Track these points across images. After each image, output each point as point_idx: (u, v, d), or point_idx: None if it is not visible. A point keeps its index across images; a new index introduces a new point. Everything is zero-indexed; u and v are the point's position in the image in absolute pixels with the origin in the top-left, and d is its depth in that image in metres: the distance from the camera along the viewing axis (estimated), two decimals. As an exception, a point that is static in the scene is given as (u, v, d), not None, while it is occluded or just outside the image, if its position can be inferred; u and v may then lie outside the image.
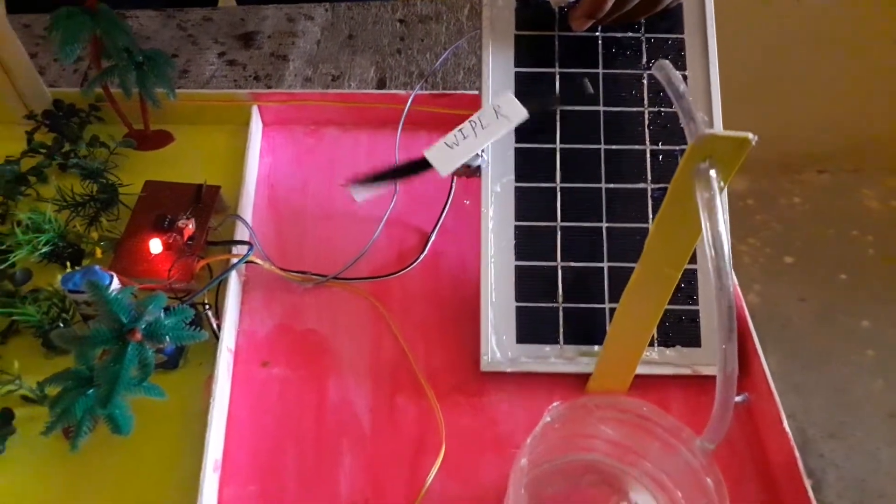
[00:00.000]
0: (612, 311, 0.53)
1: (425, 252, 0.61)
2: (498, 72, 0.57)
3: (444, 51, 0.79)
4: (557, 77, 0.57)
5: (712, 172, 0.35)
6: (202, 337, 0.45)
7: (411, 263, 0.60)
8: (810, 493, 0.47)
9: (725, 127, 0.46)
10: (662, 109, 0.57)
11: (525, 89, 0.57)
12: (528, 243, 0.56)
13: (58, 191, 0.60)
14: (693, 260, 0.55)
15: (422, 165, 0.52)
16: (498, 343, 0.54)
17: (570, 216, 0.56)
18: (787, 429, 0.49)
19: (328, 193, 0.65)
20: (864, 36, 1.55)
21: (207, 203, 0.59)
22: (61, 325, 0.53)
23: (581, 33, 0.57)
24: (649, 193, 0.56)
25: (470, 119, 0.52)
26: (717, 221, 0.35)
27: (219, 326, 0.54)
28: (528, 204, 0.56)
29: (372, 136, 0.69)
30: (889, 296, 1.60)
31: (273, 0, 0.85)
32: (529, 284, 0.55)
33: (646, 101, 0.58)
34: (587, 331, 0.55)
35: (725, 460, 0.51)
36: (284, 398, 0.53)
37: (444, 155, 0.51)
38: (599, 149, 0.57)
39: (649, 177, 0.56)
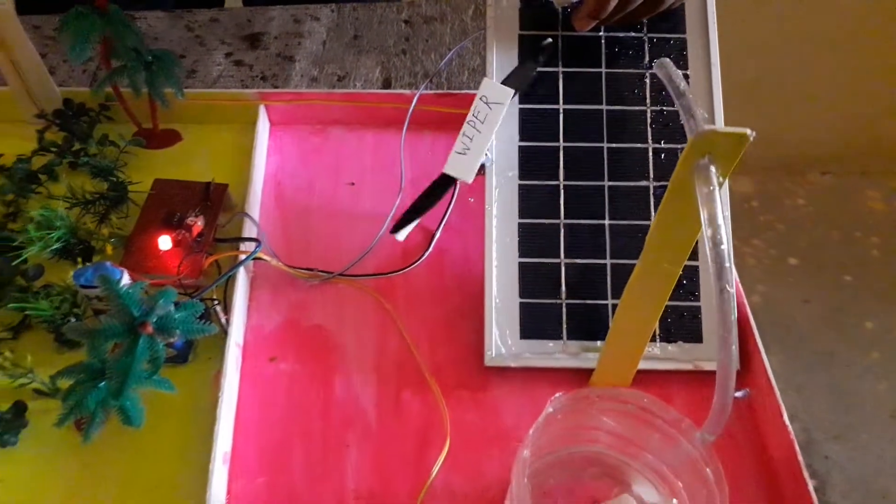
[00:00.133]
0: (615, 307, 0.53)
1: (430, 249, 0.62)
2: (502, 70, 0.58)
3: (449, 51, 0.80)
4: (561, 76, 0.58)
5: (712, 168, 0.36)
6: (212, 330, 0.46)
7: (416, 261, 0.61)
8: (810, 487, 0.48)
9: (728, 127, 0.47)
10: (664, 108, 0.58)
11: (529, 89, 0.58)
12: (531, 240, 0.56)
13: (68, 189, 0.61)
14: (695, 257, 0.56)
15: (445, 182, 0.54)
16: (502, 338, 0.55)
17: (574, 213, 0.57)
18: (788, 423, 0.50)
19: (334, 191, 0.66)
20: (870, 37, 1.55)
21: (215, 201, 0.60)
22: (73, 319, 0.54)
23: (584, 33, 0.58)
24: (651, 191, 0.57)
25: (467, 120, 0.53)
26: (716, 215, 0.35)
27: (227, 321, 0.54)
28: (532, 201, 0.57)
29: (377, 136, 0.70)
30: (894, 297, 1.60)
31: (279, 1, 0.86)
32: (533, 281, 0.56)
33: (648, 100, 0.58)
34: (590, 326, 0.55)
35: (727, 454, 0.52)
36: (292, 393, 0.54)
37: (461, 163, 0.53)
38: (602, 147, 0.58)
39: (651, 175, 0.57)
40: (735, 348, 0.55)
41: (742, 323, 0.56)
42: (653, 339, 0.55)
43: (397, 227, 0.56)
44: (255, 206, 0.62)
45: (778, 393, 0.52)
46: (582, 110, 0.58)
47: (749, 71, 1.54)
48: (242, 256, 0.56)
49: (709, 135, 0.36)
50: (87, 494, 0.49)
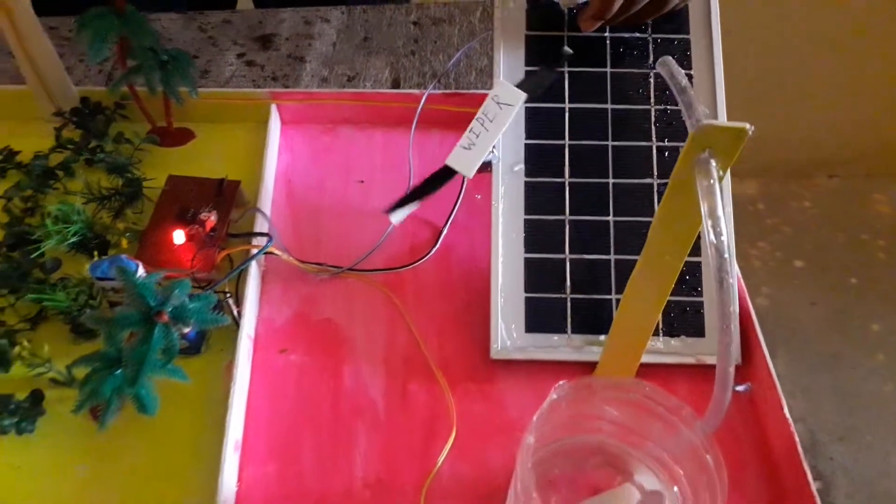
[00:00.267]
0: (619, 302, 0.54)
1: (437, 245, 0.63)
2: (509, 70, 0.59)
3: (457, 52, 0.81)
4: (567, 75, 0.59)
5: (712, 162, 0.37)
6: (225, 320, 0.47)
7: (424, 256, 0.62)
8: (810, 478, 0.49)
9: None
10: (668, 107, 0.59)
11: (541, 95, 0.59)
12: (537, 236, 0.57)
13: (85, 184, 0.63)
14: (697, 253, 0.57)
15: (445, 174, 0.55)
16: (507, 332, 0.56)
17: (579, 210, 0.58)
18: (788, 416, 0.51)
19: (344, 189, 0.67)
20: (877, 39, 1.55)
21: (228, 197, 0.61)
22: (88, 311, 0.55)
23: (590, 34, 0.59)
24: (655, 188, 0.58)
25: (476, 117, 0.54)
26: (716, 207, 0.36)
27: (239, 314, 0.56)
28: (538, 198, 0.58)
29: (386, 134, 0.71)
30: (899, 299, 1.60)
31: (290, 3, 0.87)
32: (538, 276, 0.57)
33: (652, 100, 0.59)
34: (594, 321, 0.56)
35: (728, 448, 0.52)
36: (302, 383, 0.56)
37: (464, 158, 0.54)
38: (607, 145, 0.59)
39: (655, 172, 0.58)
40: (736, 338, 0.56)
41: (744, 318, 0.57)
42: (656, 334, 0.56)
43: (392, 209, 0.57)
44: (266, 202, 0.64)
45: (779, 386, 0.53)
46: (587, 109, 0.59)
47: (754, 73, 1.55)
48: (254, 251, 0.57)
49: (708, 129, 0.37)
50: (101, 480, 0.51)
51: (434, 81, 0.78)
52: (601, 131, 0.59)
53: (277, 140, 0.70)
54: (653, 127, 0.59)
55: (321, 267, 0.61)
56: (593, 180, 0.58)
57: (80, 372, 0.48)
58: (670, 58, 0.43)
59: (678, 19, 0.60)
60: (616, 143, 0.59)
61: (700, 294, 0.57)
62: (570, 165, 0.58)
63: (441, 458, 0.52)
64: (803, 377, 1.49)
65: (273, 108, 0.69)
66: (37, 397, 0.53)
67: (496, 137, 0.54)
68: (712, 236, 0.36)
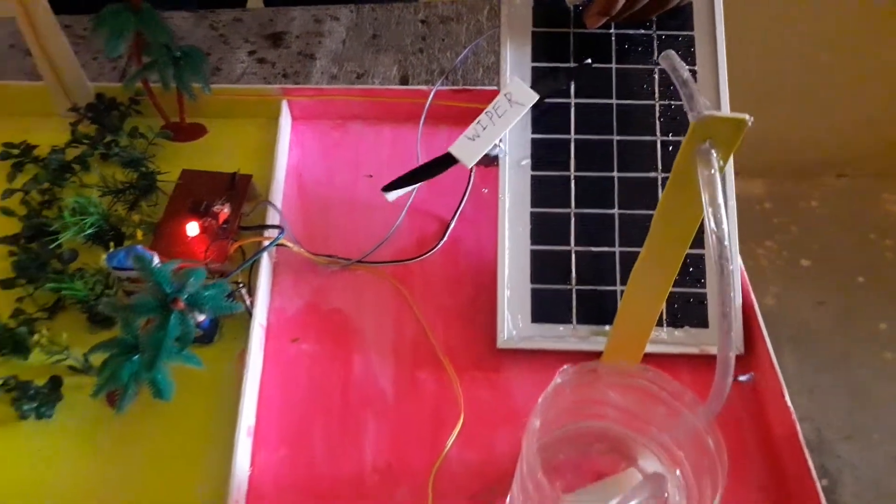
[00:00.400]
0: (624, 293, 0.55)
1: (445, 238, 0.64)
2: (516, 66, 0.60)
3: (464, 49, 0.82)
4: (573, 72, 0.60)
5: (712, 152, 0.38)
6: (238, 308, 0.49)
7: (432, 249, 0.63)
8: (811, 466, 0.49)
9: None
10: (672, 102, 0.60)
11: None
12: (543, 229, 0.59)
13: (100, 178, 0.64)
14: (700, 245, 0.58)
15: (446, 160, 0.56)
16: (514, 322, 0.57)
17: (584, 203, 0.59)
18: (789, 403, 0.52)
19: (353, 183, 0.68)
20: (884, 39, 1.55)
21: (240, 190, 0.62)
22: (105, 299, 0.57)
23: (595, 30, 0.60)
24: (659, 182, 0.59)
25: (486, 111, 0.56)
26: (716, 196, 0.37)
27: (251, 304, 0.57)
28: (544, 191, 0.59)
29: (395, 130, 0.72)
30: (907, 299, 1.60)
31: (300, 2, 0.89)
32: (544, 267, 0.58)
33: (657, 95, 0.60)
34: (599, 311, 0.57)
35: (732, 435, 0.54)
36: (313, 371, 0.57)
37: (467, 148, 0.55)
38: (612, 139, 0.60)
39: (659, 166, 0.59)
40: (738, 325, 0.57)
41: (747, 311, 0.58)
42: (660, 324, 0.57)
43: (389, 188, 0.58)
44: (277, 196, 0.65)
45: (780, 375, 0.53)
46: (593, 104, 0.60)
47: (759, 72, 1.55)
48: (266, 242, 0.59)
49: (709, 120, 0.38)
50: (118, 464, 0.52)
51: (442, 78, 0.79)
52: (607, 126, 0.60)
53: (288, 135, 0.71)
54: (657, 122, 0.60)
55: (331, 259, 0.62)
56: (598, 174, 0.59)
57: (97, 359, 0.50)
58: (672, 52, 0.44)
59: (682, 16, 0.61)
60: (621, 138, 0.60)
61: (703, 285, 0.58)
62: (575, 159, 0.59)
63: (449, 444, 0.53)
64: (811, 376, 1.50)
65: (284, 104, 0.71)
66: (55, 383, 0.54)
67: (502, 133, 0.55)
68: (713, 224, 0.37)
